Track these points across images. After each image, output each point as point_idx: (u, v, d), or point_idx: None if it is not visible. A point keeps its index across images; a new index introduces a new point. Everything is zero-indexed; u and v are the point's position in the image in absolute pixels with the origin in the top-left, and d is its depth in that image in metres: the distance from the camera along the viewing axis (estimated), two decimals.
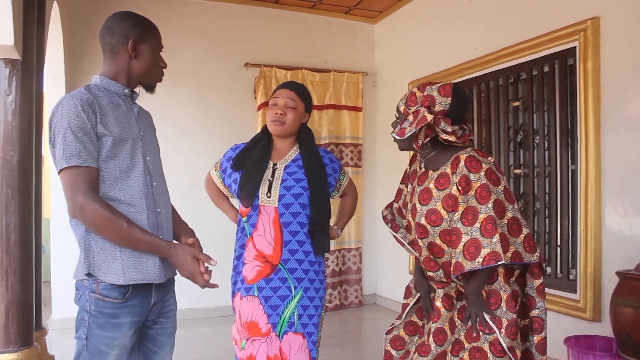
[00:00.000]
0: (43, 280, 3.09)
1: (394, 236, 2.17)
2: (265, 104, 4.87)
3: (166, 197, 1.84)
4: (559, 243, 3.51)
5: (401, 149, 2.03)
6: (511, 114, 4.01)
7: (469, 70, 4.28)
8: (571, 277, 3.40)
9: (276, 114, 2.13)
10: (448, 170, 1.88)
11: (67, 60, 4.43)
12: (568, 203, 3.43)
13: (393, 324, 2.20)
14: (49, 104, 3.83)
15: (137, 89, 1.83)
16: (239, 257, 2.15)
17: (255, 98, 5.15)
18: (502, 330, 1.80)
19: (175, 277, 1.85)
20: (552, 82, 3.55)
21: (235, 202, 2.31)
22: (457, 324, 1.92)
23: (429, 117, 1.83)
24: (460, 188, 1.83)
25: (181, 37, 4.92)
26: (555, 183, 3.51)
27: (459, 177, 1.84)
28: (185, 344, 3.87)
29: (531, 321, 1.91)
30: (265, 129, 2.22)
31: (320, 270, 2.17)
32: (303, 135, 2.23)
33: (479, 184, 1.81)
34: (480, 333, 1.83)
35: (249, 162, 2.14)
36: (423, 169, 2.02)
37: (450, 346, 1.90)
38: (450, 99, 1.88)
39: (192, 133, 4.97)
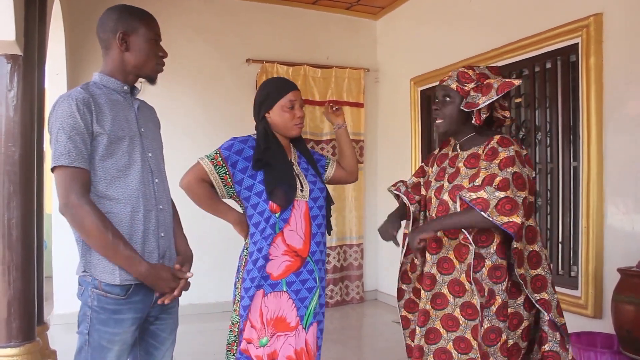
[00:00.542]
0: (45, 276, 3.09)
1: (396, 194, 2.23)
2: None
3: (168, 193, 1.84)
4: (560, 240, 3.51)
5: (444, 131, 2.01)
6: (513, 111, 4.00)
7: None
8: (572, 273, 3.40)
9: (299, 117, 2.12)
10: (480, 151, 1.90)
11: (69, 56, 4.43)
12: (570, 200, 3.43)
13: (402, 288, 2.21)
14: (50, 100, 3.81)
15: (138, 84, 1.82)
16: (265, 257, 2.02)
17: None
18: (481, 330, 1.80)
19: None
20: (554, 79, 3.54)
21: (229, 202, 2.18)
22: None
23: (494, 92, 1.85)
24: (485, 156, 1.85)
25: (182, 33, 4.92)
26: (557, 180, 3.50)
27: (487, 150, 1.87)
28: (186, 340, 3.88)
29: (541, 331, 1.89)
30: (267, 128, 2.11)
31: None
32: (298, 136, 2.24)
33: (505, 155, 1.81)
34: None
35: (277, 161, 2.06)
36: (455, 152, 2.03)
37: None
38: (501, 77, 1.91)
39: (193, 130, 4.96)
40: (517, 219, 1.73)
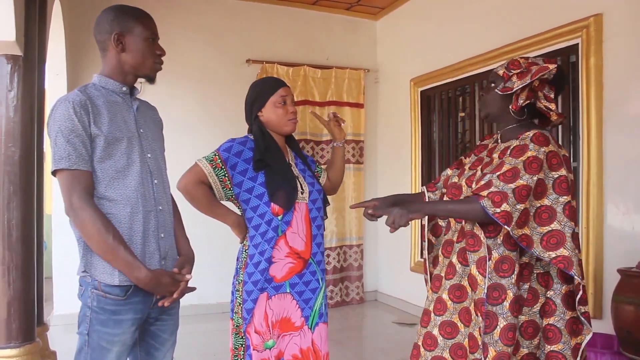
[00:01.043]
0: (45, 276, 3.09)
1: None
2: None
3: (168, 194, 1.84)
4: None
5: (485, 115, 1.96)
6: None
7: (471, 67, 4.27)
8: None
9: (292, 112, 2.12)
10: (515, 143, 1.81)
11: (69, 56, 4.43)
12: None
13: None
14: (50, 100, 3.83)
15: (137, 85, 1.82)
16: (267, 259, 2.01)
17: None
18: (497, 330, 1.70)
19: None
20: None
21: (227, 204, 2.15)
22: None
23: (529, 76, 1.78)
24: (512, 152, 1.76)
25: (182, 33, 4.92)
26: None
27: (516, 146, 1.77)
28: (187, 340, 3.88)
29: (545, 329, 1.77)
30: (262, 127, 2.11)
31: None
32: (290, 134, 2.23)
33: (534, 154, 1.70)
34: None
35: (275, 162, 2.04)
36: (495, 144, 1.96)
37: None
38: (556, 66, 1.80)
39: (193, 130, 4.96)
40: (526, 229, 1.67)
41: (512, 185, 1.67)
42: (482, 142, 2.10)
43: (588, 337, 1.73)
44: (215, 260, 4.53)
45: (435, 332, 1.89)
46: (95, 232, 1.56)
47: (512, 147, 1.79)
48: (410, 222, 1.78)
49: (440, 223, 2.11)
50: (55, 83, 4.29)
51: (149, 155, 1.75)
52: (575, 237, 1.71)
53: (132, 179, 1.67)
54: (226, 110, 5.01)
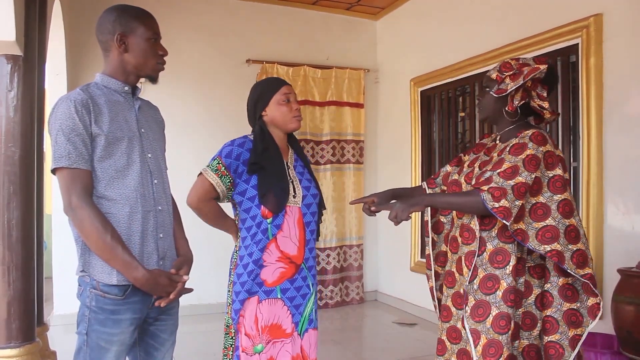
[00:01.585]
0: (45, 276, 3.09)
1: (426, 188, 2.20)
2: None
3: (168, 194, 1.84)
4: None
5: (484, 118, 2.05)
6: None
7: (471, 67, 4.28)
8: None
9: (297, 109, 2.11)
10: (514, 141, 1.87)
11: (69, 56, 4.43)
12: None
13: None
14: (50, 100, 3.83)
15: (139, 84, 1.82)
16: (256, 262, 2.00)
17: None
18: (489, 318, 1.75)
19: None
20: None
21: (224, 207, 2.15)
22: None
23: (521, 77, 1.84)
24: (512, 149, 1.82)
25: (182, 33, 4.92)
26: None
27: (515, 144, 1.83)
28: (187, 340, 3.88)
29: (544, 321, 1.82)
30: (264, 127, 2.10)
31: None
32: (291, 134, 2.22)
33: (532, 152, 1.78)
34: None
35: (270, 165, 2.02)
36: (494, 143, 2.02)
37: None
38: (546, 66, 1.86)
39: (193, 130, 4.97)
40: (522, 225, 1.71)
41: (512, 182, 1.74)
42: (481, 141, 2.15)
43: (589, 328, 1.78)
44: (215, 260, 4.52)
45: (459, 325, 1.92)
46: (93, 231, 1.56)
47: (511, 144, 1.85)
48: (411, 216, 1.85)
49: (442, 220, 2.15)
50: (56, 83, 4.30)
51: (149, 155, 1.75)
52: (569, 232, 1.78)
53: (131, 179, 1.67)
54: (226, 110, 5.02)
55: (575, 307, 1.79)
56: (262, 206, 1.99)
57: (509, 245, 1.80)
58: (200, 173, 2.03)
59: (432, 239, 2.15)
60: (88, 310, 1.63)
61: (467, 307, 1.83)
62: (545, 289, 1.82)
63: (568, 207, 1.79)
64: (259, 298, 2.01)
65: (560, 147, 3.49)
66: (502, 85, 1.89)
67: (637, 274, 2.61)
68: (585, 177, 3.18)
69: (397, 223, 1.84)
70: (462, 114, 4.70)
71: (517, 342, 1.81)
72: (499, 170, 1.79)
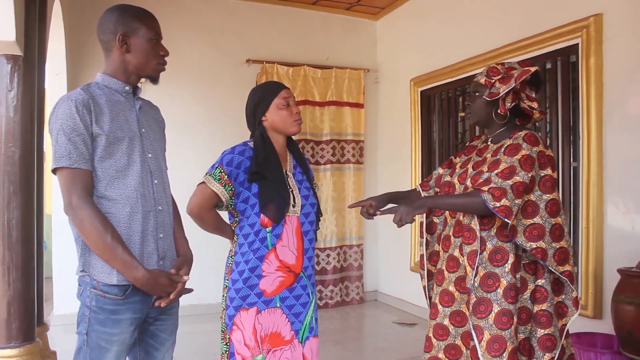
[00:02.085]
0: (45, 276, 3.10)
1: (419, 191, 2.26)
2: None
3: (168, 194, 1.84)
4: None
5: (474, 122, 2.10)
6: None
7: (471, 67, 4.27)
8: None
9: (297, 113, 2.11)
10: (507, 142, 1.95)
11: (69, 56, 4.43)
12: (570, 200, 3.43)
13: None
14: (50, 100, 3.83)
15: (140, 84, 1.82)
16: (253, 270, 1.98)
17: None
18: (492, 315, 1.82)
19: None
20: (554, 79, 3.54)
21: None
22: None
23: (513, 80, 1.92)
24: (506, 150, 1.90)
25: (182, 33, 4.92)
26: (557, 180, 3.50)
27: (509, 145, 1.91)
28: (187, 340, 3.88)
29: (538, 314, 1.89)
30: (264, 133, 2.07)
31: None
32: (291, 138, 2.20)
33: (527, 153, 1.86)
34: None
35: (271, 174, 2.01)
36: (486, 144, 2.09)
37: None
38: (536, 68, 1.95)
39: (193, 130, 4.97)
40: (507, 202, 1.79)
41: (510, 182, 1.82)
42: (471, 143, 2.23)
43: (573, 318, 1.90)
44: (215, 260, 4.51)
45: (446, 322, 2.01)
46: (93, 231, 1.56)
47: (505, 145, 1.93)
48: (415, 218, 1.93)
49: (435, 220, 2.21)
50: (56, 83, 4.29)
51: (149, 155, 1.75)
52: (554, 230, 1.87)
53: (132, 179, 1.67)
54: (226, 110, 5.02)
55: (561, 300, 1.92)
56: (262, 215, 1.98)
57: (507, 244, 1.88)
58: (202, 182, 2.00)
59: (426, 239, 2.22)
60: (88, 310, 1.63)
61: (469, 305, 1.90)
62: (539, 284, 1.90)
63: (555, 206, 1.89)
64: (257, 309, 2.00)
65: (560, 147, 3.49)
66: (493, 89, 1.96)
67: (637, 274, 2.61)
68: (585, 177, 3.18)
69: (400, 225, 1.90)
70: (462, 114, 4.70)
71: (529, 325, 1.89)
72: (497, 171, 1.86)
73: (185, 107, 4.97)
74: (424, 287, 2.20)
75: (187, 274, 1.77)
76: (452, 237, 2.03)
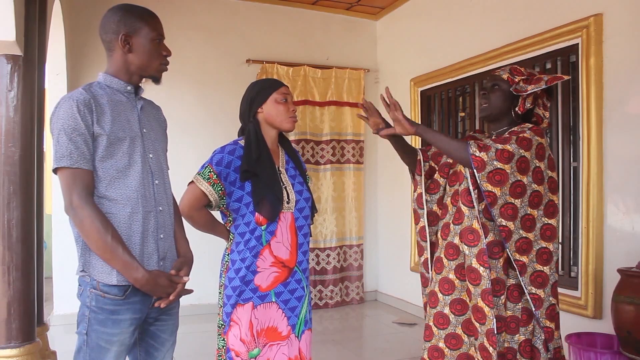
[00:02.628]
0: (45, 276, 3.10)
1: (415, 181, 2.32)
2: None
3: (169, 194, 1.84)
4: (560, 240, 3.51)
5: (487, 114, 2.13)
6: None
7: (471, 67, 4.27)
8: (572, 274, 3.40)
9: (293, 110, 2.11)
10: (515, 129, 2.01)
11: (69, 56, 4.43)
12: (570, 200, 3.43)
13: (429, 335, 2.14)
14: (50, 100, 3.83)
15: (142, 84, 1.82)
16: (248, 267, 1.99)
17: None
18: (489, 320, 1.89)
19: None
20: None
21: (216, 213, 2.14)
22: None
23: (543, 82, 1.97)
24: (517, 141, 1.92)
25: (182, 33, 4.92)
26: (557, 180, 3.50)
27: (520, 135, 1.95)
28: (187, 340, 3.88)
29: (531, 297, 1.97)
30: (258, 129, 2.07)
31: None
32: (282, 134, 2.21)
33: (527, 136, 1.93)
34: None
35: (263, 172, 2.01)
36: (488, 137, 2.13)
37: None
38: (548, 80, 1.99)
39: (193, 130, 4.97)
40: (484, 157, 1.87)
41: (499, 146, 1.90)
42: (472, 134, 2.29)
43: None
44: (215, 260, 4.50)
45: (447, 310, 2.04)
46: (94, 231, 1.56)
47: (510, 130, 2.01)
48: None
49: (435, 210, 2.24)
50: (56, 83, 4.30)
51: (150, 155, 1.75)
52: (525, 220, 1.95)
53: (132, 179, 1.67)
54: (226, 110, 5.01)
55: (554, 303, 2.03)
56: (257, 213, 1.99)
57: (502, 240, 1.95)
58: (192, 181, 2.01)
59: (432, 242, 2.23)
60: (88, 310, 1.63)
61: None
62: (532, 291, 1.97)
63: (537, 199, 1.96)
64: (253, 304, 2.01)
65: (560, 147, 3.49)
66: (518, 86, 2.00)
67: (637, 274, 2.61)
68: (585, 177, 3.18)
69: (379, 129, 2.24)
70: (462, 114, 4.70)
71: (516, 336, 1.94)
72: (494, 139, 1.96)
73: (185, 107, 4.97)
74: (426, 261, 2.22)
75: (187, 274, 1.77)
76: (451, 225, 2.05)
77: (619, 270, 2.72)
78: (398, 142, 2.34)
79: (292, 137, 5.08)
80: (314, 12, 5.51)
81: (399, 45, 5.43)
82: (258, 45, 5.27)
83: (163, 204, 1.77)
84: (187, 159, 4.77)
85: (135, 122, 1.73)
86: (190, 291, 1.78)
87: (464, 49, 4.33)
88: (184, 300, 1.85)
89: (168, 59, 1.80)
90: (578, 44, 3.28)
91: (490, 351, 1.86)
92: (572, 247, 3.43)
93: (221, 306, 2.05)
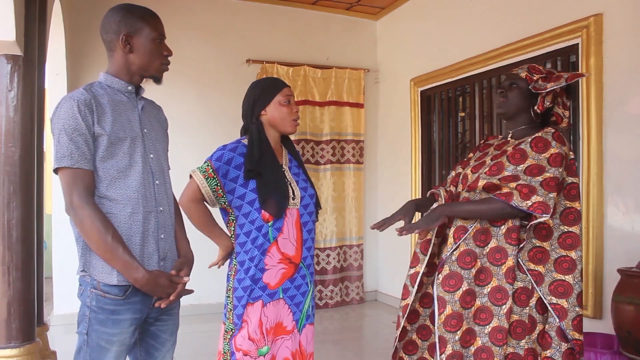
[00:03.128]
0: (45, 276, 3.10)
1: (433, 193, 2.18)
2: None
3: (170, 194, 1.84)
4: None
5: (504, 112, 2.03)
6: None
7: (471, 67, 4.28)
8: None
9: (296, 112, 2.11)
10: (538, 135, 1.92)
11: (69, 56, 4.43)
12: None
13: (398, 336, 2.08)
14: (50, 100, 3.83)
15: (142, 84, 1.82)
16: (257, 265, 1.99)
17: None
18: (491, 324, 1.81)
19: None
20: None
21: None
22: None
23: (563, 80, 1.89)
24: (534, 146, 1.85)
25: (182, 33, 4.91)
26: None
27: (537, 138, 1.87)
28: (187, 340, 3.88)
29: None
30: (261, 130, 2.07)
31: None
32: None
33: (557, 151, 1.84)
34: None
35: (267, 170, 2.02)
36: (505, 140, 2.05)
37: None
38: (568, 77, 1.91)
39: (193, 130, 4.96)
40: (538, 198, 1.75)
41: (540, 178, 1.79)
42: (487, 142, 2.19)
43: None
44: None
45: (417, 305, 2.06)
46: (94, 231, 1.56)
47: (532, 136, 1.89)
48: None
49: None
50: (56, 83, 4.29)
51: (151, 155, 1.75)
52: (540, 229, 1.87)
53: (133, 179, 1.67)
54: (226, 110, 5.01)
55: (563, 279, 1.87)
56: (263, 210, 1.99)
57: (511, 247, 1.83)
58: (191, 175, 2.04)
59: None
60: (88, 310, 1.63)
61: (440, 275, 1.91)
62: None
63: (572, 215, 1.87)
64: (263, 302, 2.01)
65: None
66: (537, 85, 1.94)
67: (637, 274, 2.61)
68: (585, 177, 3.18)
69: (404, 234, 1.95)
70: (462, 114, 4.70)
71: (522, 341, 1.83)
72: (523, 167, 1.82)
73: (185, 107, 4.97)
74: (406, 306, 2.06)
75: (188, 275, 1.77)
76: (467, 228, 1.95)
77: (619, 270, 2.72)
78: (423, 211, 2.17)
79: (292, 137, 5.07)
80: (314, 12, 5.51)
81: (399, 45, 5.43)
82: (258, 45, 5.27)
83: (164, 204, 1.77)
84: (187, 159, 4.77)
85: (136, 122, 1.73)
86: (190, 291, 1.78)
87: (464, 49, 4.33)
88: (184, 300, 1.85)
89: (169, 58, 1.80)
90: (578, 44, 3.28)
91: None
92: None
93: (231, 310, 2.03)
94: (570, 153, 1.91)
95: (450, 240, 1.91)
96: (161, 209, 1.75)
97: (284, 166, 2.12)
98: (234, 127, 4.80)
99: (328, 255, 5.40)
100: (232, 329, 2.02)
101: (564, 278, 1.84)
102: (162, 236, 1.74)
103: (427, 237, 2.10)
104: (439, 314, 1.85)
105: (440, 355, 1.83)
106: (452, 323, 1.83)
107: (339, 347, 4.07)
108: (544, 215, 1.74)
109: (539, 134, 1.89)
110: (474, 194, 1.93)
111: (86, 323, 1.63)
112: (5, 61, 2.45)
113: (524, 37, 3.67)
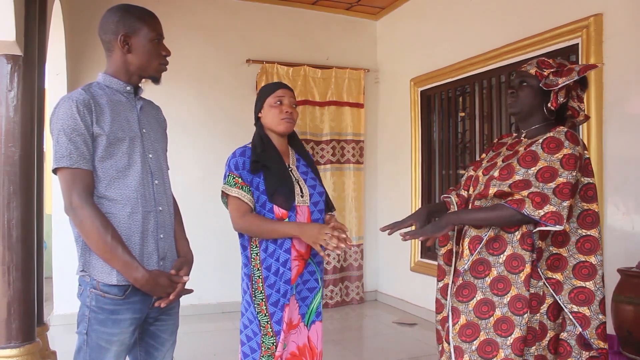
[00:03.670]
0: (45, 276, 3.10)
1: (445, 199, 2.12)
2: None
3: (169, 194, 1.84)
4: None
5: (516, 112, 1.95)
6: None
7: (471, 67, 4.28)
8: None
9: (287, 112, 2.14)
10: (550, 135, 1.82)
11: (69, 56, 4.43)
12: None
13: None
14: (50, 100, 3.83)
15: (141, 84, 1.82)
16: (284, 264, 2.03)
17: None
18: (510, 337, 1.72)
19: None
20: None
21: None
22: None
23: (575, 73, 1.80)
24: (545, 147, 1.76)
25: (182, 33, 4.92)
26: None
27: (549, 138, 1.78)
28: (187, 340, 3.88)
29: (558, 343, 1.79)
30: (261, 131, 2.17)
31: None
32: (293, 134, 2.28)
33: (570, 151, 1.73)
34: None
35: (272, 165, 2.07)
36: (518, 139, 1.97)
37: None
38: (580, 70, 1.83)
39: (193, 130, 4.96)
40: (551, 207, 1.67)
41: (552, 184, 1.70)
42: (500, 140, 2.12)
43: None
44: (216, 260, 4.53)
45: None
46: (93, 231, 1.56)
47: (544, 137, 1.79)
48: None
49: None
50: (55, 83, 4.29)
51: (150, 155, 1.75)
52: (557, 235, 1.79)
53: (132, 179, 1.67)
54: (226, 110, 5.01)
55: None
56: (275, 207, 2.04)
57: (528, 254, 1.75)
58: (227, 196, 2.08)
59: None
60: (88, 310, 1.63)
61: (454, 286, 1.86)
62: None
63: (590, 218, 1.80)
64: (293, 298, 2.09)
65: None
66: (548, 81, 1.85)
67: (637, 274, 2.61)
68: None
69: (407, 239, 1.90)
70: (462, 114, 4.70)
71: (532, 348, 1.77)
72: (534, 170, 1.74)
73: (185, 107, 4.96)
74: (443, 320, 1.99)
75: (187, 274, 1.77)
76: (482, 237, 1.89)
77: (619, 270, 2.72)
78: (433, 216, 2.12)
79: None
80: (314, 12, 5.51)
81: (399, 45, 5.43)
82: (258, 45, 5.27)
83: (163, 203, 1.77)
84: (187, 159, 4.78)
85: (135, 122, 1.73)
86: (190, 291, 1.78)
87: (464, 49, 4.33)
88: (184, 300, 1.85)
89: (167, 59, 1.80)
90: (578, 44, 3.28)
91: None
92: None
93: (267, 322, 2.03)
94: (586, 152, 1.83)
95: (467, 252, 1.85)
96: (160, 208, 1.75)
97: (290, 165, 2.18)
98: (234, 127, 4.83)
99: (328, 255, 5.40)
100: (274, 343, 2.02)
101: (584, 285, 1.76)
102: (162, 236, 1.74)
103: (449, 248, 2.05)
104: (453, 324, 1.80)
105: None
106: (467, 333, 1.77)
107: (339, 347, 4.07)
108: (557, 226, 1.66)
109: (551, 133, 1.80)
110: (485, 201, 1.86)
111: (86, 323, 1.63)
112: (5, 61, 2.45)
113: (524, 37, 3.67)
